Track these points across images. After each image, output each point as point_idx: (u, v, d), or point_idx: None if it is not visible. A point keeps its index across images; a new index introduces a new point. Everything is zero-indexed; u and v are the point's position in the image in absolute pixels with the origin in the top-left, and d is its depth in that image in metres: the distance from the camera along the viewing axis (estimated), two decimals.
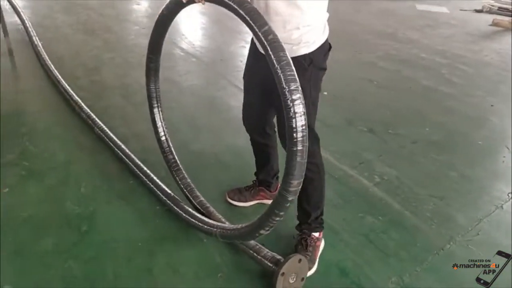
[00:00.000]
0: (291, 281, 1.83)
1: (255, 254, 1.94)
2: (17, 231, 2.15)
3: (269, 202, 2.31)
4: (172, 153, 2.48)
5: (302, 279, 1.88)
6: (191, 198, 2.33)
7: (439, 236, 2.32)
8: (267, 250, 1.94)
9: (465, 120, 3.79)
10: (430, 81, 4.63)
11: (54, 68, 3.96)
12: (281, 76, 1.37)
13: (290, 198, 1.50)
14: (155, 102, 2.37)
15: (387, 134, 3.44)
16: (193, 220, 2.12)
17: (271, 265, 1.86)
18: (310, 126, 1.76)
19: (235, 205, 2.44)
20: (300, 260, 1.83)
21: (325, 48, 1.83)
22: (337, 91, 4.24)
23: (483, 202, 2.65)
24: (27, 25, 5.05)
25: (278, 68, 1.38)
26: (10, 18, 5.38)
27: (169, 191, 2.36)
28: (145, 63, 2.25)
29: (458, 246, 2.26)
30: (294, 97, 1.38)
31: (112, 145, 2.85)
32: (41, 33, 5.00)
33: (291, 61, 1.41)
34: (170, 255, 2.08)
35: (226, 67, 4.64)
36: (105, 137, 2.93)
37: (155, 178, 2.49)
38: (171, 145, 2.49)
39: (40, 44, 4.53)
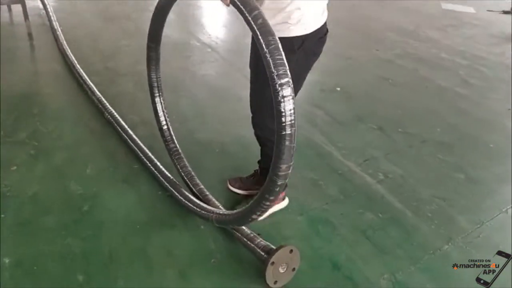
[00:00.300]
0: (282, 271, 1.85)
1: (248, 242, 1.96)
2: (21, 207, 2.22)
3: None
4: (174, 142, 2.51)
5: (293, 269, 1.89)
6: (191, 186, 2.37)
7: (437, 237, 2.30)
8: (261, 239, 1.96)
9: (478, 122, 3.72)
10: (446, 82, 4.55)
11: (70, 53, 4.05)
12: (270, 60, 1.37)
13: (279, 183, 1.50)
14: (156, 91, 2.41)
15: (396, 132, 3.41)
16: (192, 205, 2.15)
17: (263, 253, 1.88)
18: None
19: (236, 193, 2.47)
20: (291, 251, 1.85)
21: (322, 32, 1.85)
22: (351, 87, 4.22)
23: (487, 205, 2.61)
24: (49, 9, 5.15)
25: (267, 52, 1.38)
26: (32, 2, 5.49)
27: (171, 176, 2.40)
28: (146, 53, 2.26)
29: (456, 247, 2.23)
30: (282, 81, 1.38)
31: (120, 130, 2.90)
32: (62, 18, 5.09)
33: (280, 46, 1.40)
34: (166, 238, 2.11)
35: (241, 59, 4.64)
36: (114, 122, 2.99)
37: (158, 164, 2.53)
38: (172, 134, 2.52)
39: (59, 29, 4.62)
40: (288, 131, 1.41)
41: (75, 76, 3.73)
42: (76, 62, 3.86)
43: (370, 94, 4.15)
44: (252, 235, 1.99)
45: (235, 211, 1.90)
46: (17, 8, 4.83)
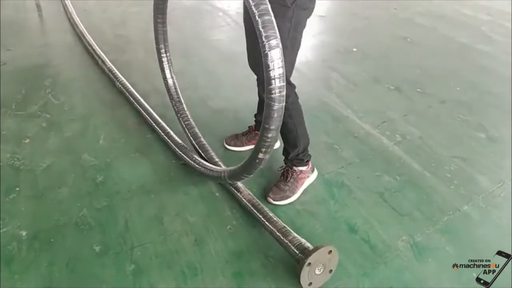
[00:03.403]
0: (318, 272, 1.69)
1: (281, 237, 1.80)
2: (35, 180, 2.23)
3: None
4: (181, 103, 2.48)
5: (330, 271, 1.73)
6: (200, 151, 2.35)
7: (457, 197, 2.24)
8: (295, 234, 1.80)
9: (500, 80, 3.58)
10: (467, 39, 4.38)
11: (80, 22, 4.00)
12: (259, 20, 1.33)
13: (275, 107, 1.44)
14: (162, 47, 2.34)
15: (415, 93, 3.31)
16: (203, 168, 2.12)
17: (297, 252, 1.72)
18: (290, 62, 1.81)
19: (232, 150, 2.50)
20: (330, 251, 1.69)
21: None
22: (368, 48, 4.10)
23: (508, 164, 2.53)
24: None
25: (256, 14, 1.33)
26: None
27: (184, 144, 2.38)
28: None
29: (476, 207, 2.18)
30: (272, 43, 1.34)
31: (132, 99, 2.87)
32: None
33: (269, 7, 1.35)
34: (181, 206, 2.10)
35: None
36: (126, 92, 2.95)
37: (171, 132, 2.50)
38: (180, 95, 2.50)
39: None
40: (277, 93, 1.40)
41: (85, 46, 3.69)
42: (85, 31, 3.82)
43: (388, 54, 4.03)
44: (285, 229, 1.82)
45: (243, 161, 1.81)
46: None
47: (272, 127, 1.48)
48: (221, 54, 3.83)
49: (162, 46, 2.33)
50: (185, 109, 2.48)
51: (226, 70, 3.53)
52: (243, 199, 2.04)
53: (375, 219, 2.07)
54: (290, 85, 1.93)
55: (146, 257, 1.82)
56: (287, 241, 1.77)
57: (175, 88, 2.47)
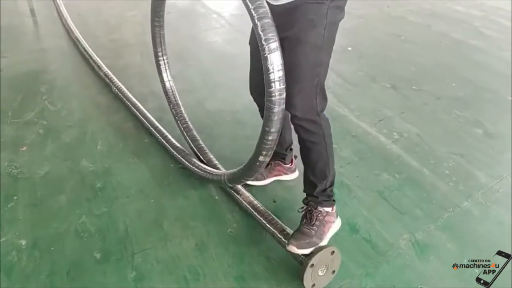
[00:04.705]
0: (321, 274, 1.69)
1: (283, 239, 1.76)
2: (34, 187, 2.21)
3: (286, 177, 2.27)
4: (179, 107, 2.48)
5: (333, 272, 1.73)
6: (199, 154, 2.35)
7: (456, 194, 2.25)
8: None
9: (495, 75, 3.59)
10: (461, 35, 4.40)
11: (74, 27, 3.98)
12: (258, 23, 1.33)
13: (275, 110, 1.43)
14: (160, 50, 2.33)
15: (410, 90, 3.32)
16: (202, 172, 2.11)
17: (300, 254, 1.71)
18: (320, 82, 1.64)
19: (253, 185, 2.23)
20: (332, 252, 1.69)
21: None
22: (362, 46, 4.11)
23: (506, 159, 2.54)
24: None
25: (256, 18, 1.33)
26: None
27: (182, 148, 2.37)
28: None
29: (476, 203, 2.19)
30: (271, 46, 1.33)
31: (128, 103, 2.86)
32: None
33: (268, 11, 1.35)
34: (181, 210, 2.10)
35: (247, 23, 4.52)
36: (122, 96, 2.94)
37: (169, 136, 2.49)
38: (178, 98, 2.49)
39: (62, 3, 4.53)
40: (276, 96, 1.40)
41: (80, 51, 3.67)
42: (80, 36, 3.80)
43: (382, 52, 4.04)
44: (286, 232, 1.78)
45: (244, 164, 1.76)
46: None
47: (273, 129, 1.48)
48: (217, 56, 3.82)
49: (159, 49, 2.32)
50: (183, 112, 2.47)
51: (222, 72, 3.52)
52: (243, 202, 2.03)
53: (375, 218, 2.07)
54: (323, 97, 1.70)
55: (147, 263, 1.81)
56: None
57: (173, 91, 2.47)
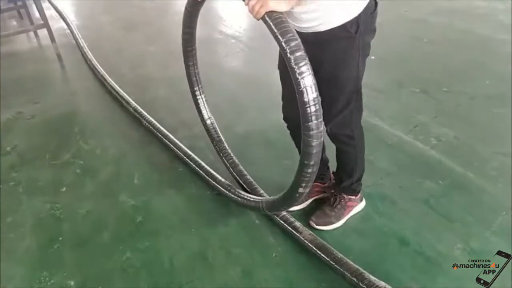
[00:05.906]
0: None
1: (356, 280, 1.66)
2: (77, 227, 2.24)
3: (325, 196, 2.23)
4: (220, 139, 2.48)
5: None
6: (239, 179, 2.32)
7: (507, 195, 2.15)
8: (370, 275, 1.67)
9: None
10: (486, 30, 4.29)
11: (100, 68, 4.07)
12: (286, 47, 1.30)
13: (314, 143, 1.40)
14: (196, 84, 2.35)
15: (441, 92, 3.23)
16: (239, 198, 2.08)
17: None
18: (356, 102, 1.74)
19: (293, 210, 2.17)
20: None
21: (371, 7, 1.60)
22: (385, 53, 4.03)
23: None
24: (73, 28, 5.23)
25: (283, 42, 1.30)
26: (56, 24, 5.61)
27: (216, 174, 2.36)
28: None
29: None
30: (302, 69, 1.30)
31: (159, 135, 2.89)
32: (86, 34, 5.15)
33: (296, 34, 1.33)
34: (223, 238, 2.08)
35: (265, 44, 4.53)
36: (153, 128, 2.97)
37: (203, 163, 2.49)
38: (216, 127, 2.50)
39: (85, 46, 4.67)
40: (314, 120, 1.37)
41: (108, 89, 3.75)
42: (106, 75, 3.88)
43: (407, 57, 3.97)
44: (359, 272, 1.68)
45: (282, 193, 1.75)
46: (43, 32, 4.93)
47: (312, 162, 1.46)
48: (240, 80, 3.84)
49: (196, 88, 2.36)
50: (227, 147, 2.48)
51: (247, 94, 3.53)
52: (305, 241, 1.91)
53: (425, 228, 2.00)
54: (359, 110, 1.82)
55: None
56: (363, 286, 1.63)
57: (214, 129, 2.49)
